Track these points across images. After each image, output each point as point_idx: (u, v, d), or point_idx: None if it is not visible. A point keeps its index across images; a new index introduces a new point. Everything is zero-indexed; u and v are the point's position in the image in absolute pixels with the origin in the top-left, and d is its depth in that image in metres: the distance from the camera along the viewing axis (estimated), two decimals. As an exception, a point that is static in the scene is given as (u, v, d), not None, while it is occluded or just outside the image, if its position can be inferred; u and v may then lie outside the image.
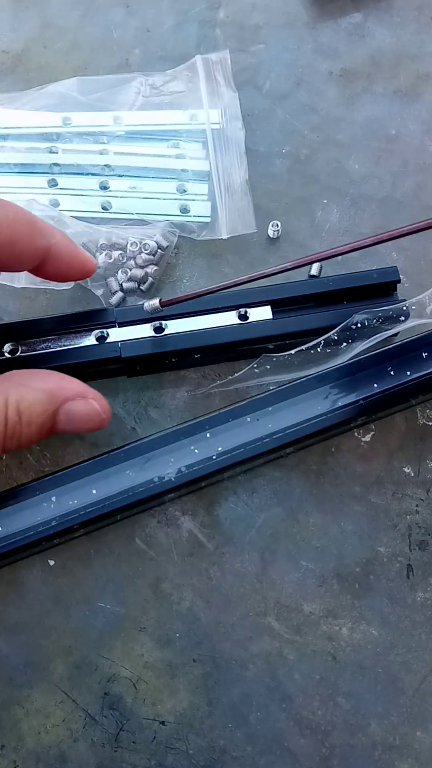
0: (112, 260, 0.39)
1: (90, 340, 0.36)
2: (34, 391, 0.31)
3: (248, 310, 0.36)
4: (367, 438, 0.37)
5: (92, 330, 0.36)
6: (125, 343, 0.35)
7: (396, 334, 0.36)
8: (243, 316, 0.36)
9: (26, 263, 0.33)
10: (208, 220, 0.40)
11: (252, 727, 0.34)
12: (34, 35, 0.46)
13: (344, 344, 0.36)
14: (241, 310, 0.36)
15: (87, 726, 0.34)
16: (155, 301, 0.34)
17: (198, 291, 0.34)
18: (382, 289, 0.37)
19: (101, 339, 0.36)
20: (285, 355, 0.36)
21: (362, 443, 0.37)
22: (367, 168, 0.43)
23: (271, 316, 0.36)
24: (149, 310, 0.35)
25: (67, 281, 0.36)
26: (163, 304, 0.34)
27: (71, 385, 0.32)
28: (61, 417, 0.32)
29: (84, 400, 0.32)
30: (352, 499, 0.36)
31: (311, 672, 0.34)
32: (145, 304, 0.35)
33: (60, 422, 0.32)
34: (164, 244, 0.39)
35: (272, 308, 0.36)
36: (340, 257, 0.40)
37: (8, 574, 0.35)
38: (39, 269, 0.34)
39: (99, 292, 0.39)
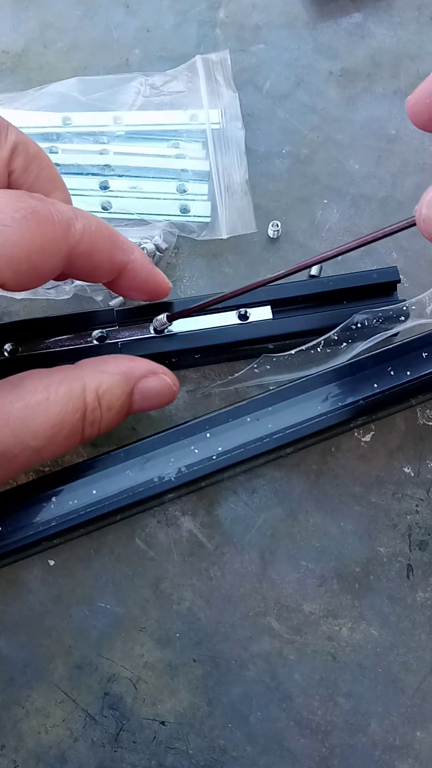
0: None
1: (90, 340, 0.36)
2: (110, 375, 0.31)
3: (248, 310, 0.36)
4: (367, 438, 0.37)
5: (92, 330, 0.36)
6: (125, 343, 0.35)
7: (396, 334, 0.36)
8: (243, 316, 0.36)
9: (102, 276, 0.33)
10: (208, 220, 0.40)
11: (252, 727, 0.34)
12: (34, 35, 0.46)
13: (344, 344, 0.36)
14: (241, 310, 0.36)
15: (87, 726, 0.34)
16: (162, 317, 0.35)
17: (203, 302, 0.34)
18: (382, 289, 0.37)
19: (101, 339, 0.36)
20: (285, 355, 0.36)
21: (362, 443, 0.37)
22: (367, 168, 0.43)
23: (271, 316, 0.36)
24: (157, 327, 0.35)
25: (138, 299, 0.36)
26: (169, 319, 0.35)
27: (141, 364, 0.33)
28: (136, 397, 0.32)
29: (156, 376, 0.33)
30: (352, 499, 0.36)
31: (311, 672, 0.34)
32: (154, 321, 0.35)
33: (135, 402, 0.32)
34: (163, 246, 0.39)
35: (272, 308, 0.36)
36: (340, 257, 0.40)
37: (8, 574, 0.35)
38: (113, 284, 0.34)
39: (99, 298, 0.39)
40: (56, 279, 0.32)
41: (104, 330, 0.36)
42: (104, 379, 0.31)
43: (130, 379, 0.32)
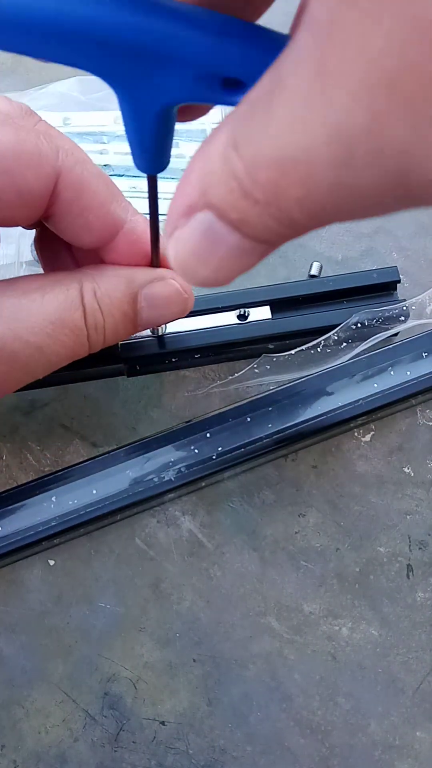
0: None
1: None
2: (109, 278, 0.29)
3: (248, 310, 0.36)
4: (367, 438, 0.37)
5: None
6: (125, 343, 0.35)
7: (396, 334, 0.36)
8: (242, 316, 0.36)
9: (91, 232, 0.29)
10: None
11: (252, 727, 0.34)
12: (34, 35, 0.46)
13: (344, 344, 0.36)
14: (240, 310, 0.36)
15: (87, 726, 0.34)
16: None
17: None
18: (382, 289, 0.37)
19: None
20: (285, 355, 0.36)
21: (362, 443, 0.37)
22: (367, 168, 0.42)
23: (270, 316, 0.36)
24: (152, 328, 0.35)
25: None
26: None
27: (146, 270, 0.30)
28: (143, 303, 0.30)
29: (163, 282, 0.30)
30: (352, 499, 0.36)
31: (311, 672, 0.34)
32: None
33: (143, 309, 0.30)
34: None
35: (272, 308, 0.36)
36: (340, 257, 0.40)
37: (8, 574, 0.35)
38: (103, 253, 0.30)
39: None
40: (36, 224, 0.30)
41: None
42: (102, 281, 0.29)
43: (132, 284, 0.30)
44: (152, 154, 0.22)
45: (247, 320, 0.36)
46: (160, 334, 0.35)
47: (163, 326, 0.35)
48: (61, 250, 0.32)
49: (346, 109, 0.15)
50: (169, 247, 0.19)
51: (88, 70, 0.19)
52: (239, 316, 0.36)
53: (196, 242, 0.19)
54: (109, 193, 0.29)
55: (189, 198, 0.18)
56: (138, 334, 0.36)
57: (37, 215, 0.29)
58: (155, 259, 0.30)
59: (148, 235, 0.30)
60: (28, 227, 0.32)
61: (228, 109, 0.18)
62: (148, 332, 0.36)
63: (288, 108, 0.16)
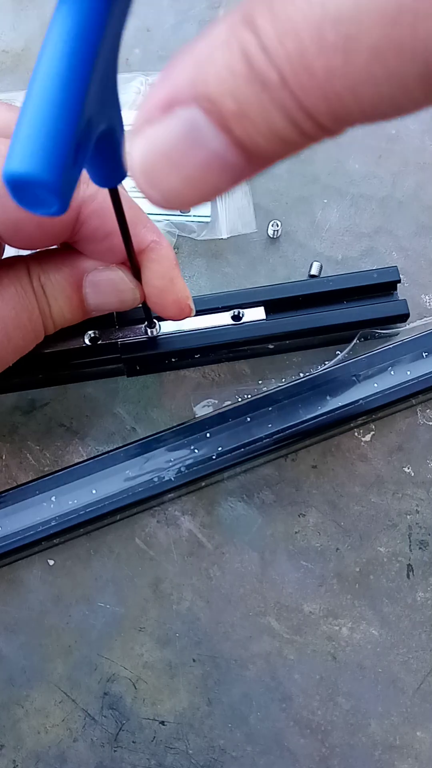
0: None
1: (87, 341, 0.36)
2: (54, 262, 0.30)
3: (242, 311, 0.36)
4: (367, 438, 0.37)
5: (92, 330, 0.36)
6: (125, 343, 0.35)
7: (396, 334, 0.36)
8: (236, 317, 0.36)
9: (116, 251, 0.29)
10: (208, 219, 0.40)
11: (252, 727, 0.34)
12: (34, 35, 0.46)
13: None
14: (234, 311, 0.36)
15: (87, 726, 0.34)
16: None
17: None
18: (382, 289, 0.37)
19: (98, 339, 0.36)
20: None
21: (362, 443, 0.37)
22: (367, 168, 0.42)
23: (264, 317, 0.36)
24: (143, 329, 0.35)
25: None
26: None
27: (92, 257, 0.30)
28: (88, 290, 0.30)
29: (108, 269, 0.30)
30: (352, 499, 0.36)
31: (311, 672, 0.34)
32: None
33: (88, 295, 0.30)
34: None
35: (272, 308, 0.36)
36: (340, 256, 0.40)
37: (8, 574, 0.35)
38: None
39: None
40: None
41: (104, 330, 0.36)
42: (46, 266, 0.30)
43: (76, 269, 0.30)
44: (105, 168, 0.21)
45: (241, 321, 0.36)
46: (154, 334, 0.35)
47: (158, 327, 0.35)
48: None
49: None
50: (135, 146, 0.16)
51: None
52: (234, 317, 0.36)
53: (172, 142, 0.16)
54: (134, 216, 0.29)
55: (173, 88, 0.16)
56: (137, 335, 0.36)
57: (58, 242, 0.30)
58: (146, 314, 0.31)
59: (172, 262, 0.30)
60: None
61: None
62: (144, 332, 0.36)
63: None
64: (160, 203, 0.17)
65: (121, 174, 0.22)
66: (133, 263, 0.30)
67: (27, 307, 0.29)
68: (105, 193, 0.26)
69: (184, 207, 0.17)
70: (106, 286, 0.30)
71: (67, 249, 0.31)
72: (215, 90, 0.15)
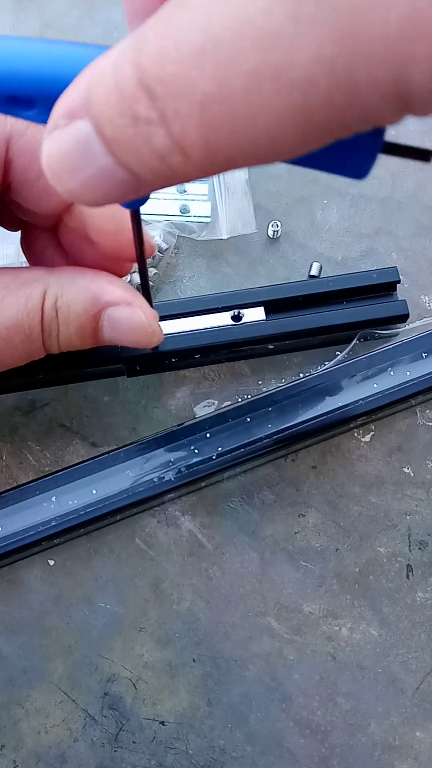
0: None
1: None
2: (77, 289, 0.28)
3: (242, 311, 0.36)
4: (367, 438, 0.37)
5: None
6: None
7: (396, 334, 0.36)
8: (236, 317, 0.36)
9: (48, 199, 0.29)
10: (208, 220, 0.40)
11: (252, 727, 0.34)
12: (34, 35, 0.46)
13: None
14: (234, 311, 0.36)
15: (87, 726, 0.34)
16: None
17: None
18: (382, 289, 0.37)
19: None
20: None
21: (362, 443, 0.37)
22: (367, 168, 0.42)
23: (264, 317, 0.36)
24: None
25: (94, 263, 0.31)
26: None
27: (118, 289, 0.29)
28: (105, 323, 0.29)
29: (129, 307, 0.29)
30: (352, 499, 0.36)
31: (311, 672, 0.34)
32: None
33: (104, 329, 0.29)
34: (163, 246, 0.39)
35: (272, 309, 0.36)
36: (340, 257, 0.40)
37: (8, 574, 0.35)
38: (63, 228, 0.30)
39: None
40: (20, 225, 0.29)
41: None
42: (68, 290, 0.28)
43: (97, 301, 0.29)
44: None
45: (242, 321, 0.36)
46: None
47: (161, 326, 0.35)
48: (47, 248, 0.32)
49: None
50: (44, 143, 0.17)
51: None
52: (233, 317, 0.36)
53: (69, 150, 0.17)
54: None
55: (72, 101, 0.16)
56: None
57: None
58: (144, 289, 0.30)
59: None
60: (12, 229, 0.32)
61: None
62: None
63: None
64: (65, 197, 0.18)
65: (144, 198, 0.22)
66: (144, 288, 0.30)
67: (25, 330, 0.28)
68: (34, 128, 0.26)
69: (88, 205, 0.18)
70: (126, 325, 0.29)
71: (92, 274, 0.30)
72: (98, 114, 0.16)
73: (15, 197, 0.29)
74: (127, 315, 0.29)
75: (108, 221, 0.29)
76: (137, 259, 0.28)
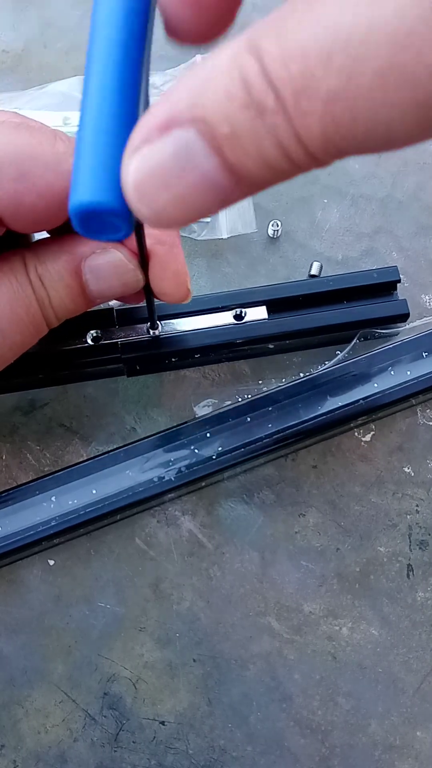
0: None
1: (89, 340, 0.36)
2: (52, 251, 0.29)
3: (244, 310, 0.36)
4: (367, 438, 0.37)
5: (94, 330, 0.36)
6: (125, 343, 0.35)
7: (396, 334, 0.36)
8: (238, 316, 0.36)
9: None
10: (208, 219, 0.40)
11: (252, 727, 0.34)
12: (34, 35, 0.46)
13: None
14: (237, 310, 0.36)
15: (87, 726, 0.34)
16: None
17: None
18: (382, 289, 0.37)
19: (101, 339, 0.36)
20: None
21: (362, 443, 0.37)
22: (367, 168, 0.43)
23: (266, 316, 0.36)
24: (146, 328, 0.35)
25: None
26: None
27: (90, 242, 0.29)
28: (87, 276, 0.29)
29: (105, 251, 0.29)
30: (352, 499, 0.36)
31: (311, 672, 0.34)
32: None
33: (89, 282, 0.29)
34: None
35: (272, 308, 0.36)
36: (340, 256, 0.40)
37: (8, 574, 0.35)
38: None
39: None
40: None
41: (104, 330, 0.36)
42: (43, 255, 0.29)
43: (73, 256, 0.29)
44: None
45: (244, 321, 0.36)
46: (156, 333, 0.35)
47: (159, 326, 0.35)
48: None
49: None
50: (130, 164, 0.17)
51: None
52: (236, 317, 0.36)
53: (165, 160, 0.16)
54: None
55: (172, 109, 0.16)
56: (137, 335, 0.36)
57: (65, 217, 0.28)
58: (150, 313, 0.30)
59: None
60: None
61: None
62: (146, 331, 0.36)
63: None
64: (149, 220, 0.18)
65: None
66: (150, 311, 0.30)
67: (23, 300, 0.28)
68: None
69: (171, 226, 0.18)
70: (107, 269, 0.29)
71: (63, 236, 0.30)
72: (211, 113, 0.16)
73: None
74: (107, 258, 0.29)
75: (160, 245, 0.29)
76: (139, 262, 0.28)
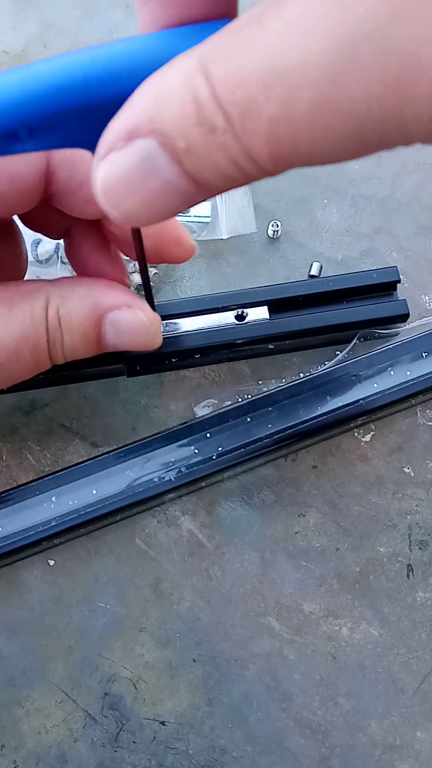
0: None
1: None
2: (77, 296, 0.29)
3: (246, 310, 0.36)
4: (367, 438, 0.37)
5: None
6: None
7: (396, 334, 0.36)
8: (240, 317, 0.36)
9: (92, 202, 0.30)
10: (208, 220, 0.40)
11: (252, 727, 0.34)
12: (34, 35, 0.46)
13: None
14: (238, 310, 0.36)
15: (87, 726, 0.34)
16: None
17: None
18: (382, 289, 0.37)
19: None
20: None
21: (362, 443, 0.37)
22: (367, 168, 0.43)
23: (267, 317, 0.36)
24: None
25: (153, 258, 0.32)
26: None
27: (117, 293, 0.30)
28: (107, 328, 0.29)
29: (130, 310, 0.29)
30: (352, 499, 0.36)
31: (311, 672, 0.34)
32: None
33: (107, 333, 0.30)
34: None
35: (271, 308, 0.36)
36: (340, 257, 0.40)
37: (8, 574, 0.35)
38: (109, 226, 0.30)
39: None
40: (38, 208, 0.29)
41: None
42: (68, 298, 0.29)
43: (98, 306, 0.29)
44: None
45: (245, 321, 0.36)
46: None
47: (161, 326, 0.35)
48: (92, 254, 0.32)
49: (366, 7, 0.14)
50: (99, 170, 0.18)
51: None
52: (237, 317, 0.36)
53: (130, 168, 0.18)
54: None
55: (134, 120, 0.17)
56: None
57: (36, 199, 0.29)
58: (146, 290, 0.30)
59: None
60: (55, 237, 0.32)
61: None
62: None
63: (286, 19, 0.15)
64: (119, 221, 0.19)
65: None
66: (149, 299, 0.30)
67: (32, 340, 0.28)
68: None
69: (141, 225, 0.19)
70: (128, 327, 0.30)
71: (92, 282, 0.30)
72: (168, 128, 0.17)
73: (58, 206, 0.30)
74: (129, 317, 0.30)
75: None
76: (138, 260, 0.28)
